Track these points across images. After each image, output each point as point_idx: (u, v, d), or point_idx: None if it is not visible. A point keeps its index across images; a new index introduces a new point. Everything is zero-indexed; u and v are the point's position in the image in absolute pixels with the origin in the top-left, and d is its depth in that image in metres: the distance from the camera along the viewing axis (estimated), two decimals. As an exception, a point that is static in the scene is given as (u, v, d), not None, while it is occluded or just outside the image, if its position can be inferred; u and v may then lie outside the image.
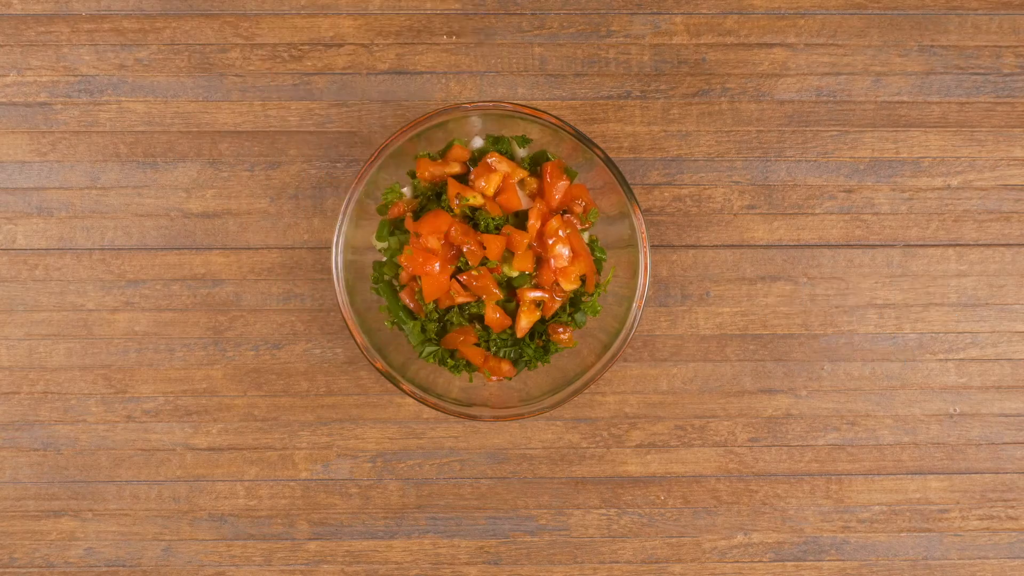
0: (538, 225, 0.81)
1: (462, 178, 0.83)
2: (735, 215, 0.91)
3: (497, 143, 0.84)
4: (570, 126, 0.80)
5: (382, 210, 0.85)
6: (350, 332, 0.82)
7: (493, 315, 0.82)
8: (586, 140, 0.80)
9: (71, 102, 0.90)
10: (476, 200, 0.81)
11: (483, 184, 0.81)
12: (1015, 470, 0.92)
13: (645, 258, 0.81)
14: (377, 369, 0.82)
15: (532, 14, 0.90)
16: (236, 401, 0.91)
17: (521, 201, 0.83)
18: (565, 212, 0.83)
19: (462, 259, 0.81)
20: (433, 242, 0.80)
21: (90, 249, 0.91)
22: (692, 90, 0.91)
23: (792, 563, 0.92)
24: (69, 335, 0.91)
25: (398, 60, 0.90)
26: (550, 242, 0.81)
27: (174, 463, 0.92)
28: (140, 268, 0.91)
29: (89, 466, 0.91)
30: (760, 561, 0.92)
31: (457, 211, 0.81)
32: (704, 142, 0.91)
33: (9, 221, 0.91)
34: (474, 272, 0.81)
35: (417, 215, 0.83)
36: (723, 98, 0.91)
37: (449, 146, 0.84)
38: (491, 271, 0.81)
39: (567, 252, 0.81)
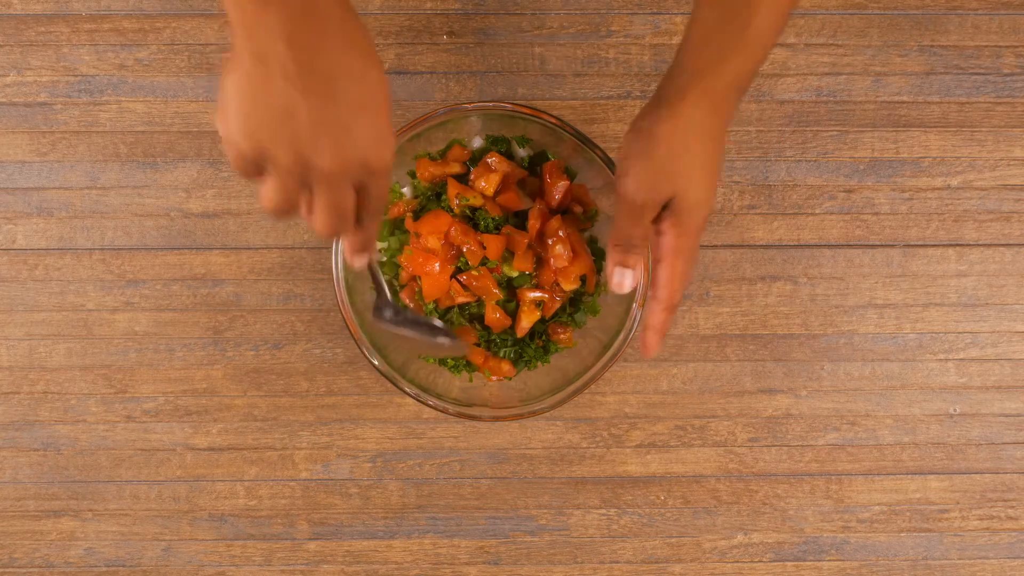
0: (538, 225, 0.81)
1: (462, 178, 0.83)
2: (735, 215, 0.91)
3: (497, 143, 0.84)
4: (570, 126, 0.80)
5: None
6: (350, 332, 0.82)
7: (493, 315, 0.82)
8: (586, 140, 0.80)
9: (71, 102, 0.90)
10: (476, 200, 0.81)
11: (483, 184, 0.81)
12: (1015, 470, 0.92)
13: (645, 258, 0.81)
14: (377, 369, 0.82)
15: (532, 14, 0.90)
16: (236, 401, 0.91)
17: (521, 201, 0.83)
18: (565, 212, 0.83)
19: (462, 259, 0.81)
20: (433, 242, 0.80)
21: (90, 249, 0.91)
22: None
23: (792, 563, 0.92)
24: (69, 335, 0.91)
25: (398, 60, 0.90)
26: (550, 242, 0.81)
27: (174, 463, 0.92)
28: (140, 268, 0.91)
29: (89, 466, 0.91)
30: (760, 561, 0.92)
31: (457, 211, 0.81)
32: (704, 142, 0.91)
33: (9, 221, 0.91)
34: (474, 272, 0.81)
35: (417, 215, 0.83)
36: (723, 98, 0.91)
37: (449, 146, 0.84)
38: (491, 271, 0.81)
39: (567, 252, 0.81)
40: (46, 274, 0.91)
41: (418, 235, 0.81)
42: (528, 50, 0.90)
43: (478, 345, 0.84)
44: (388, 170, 0.59)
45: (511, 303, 0.83)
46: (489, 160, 0.82)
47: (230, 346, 0.91)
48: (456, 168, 0.83)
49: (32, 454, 0.91)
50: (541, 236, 0.82)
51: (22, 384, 0.91)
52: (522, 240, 0.81)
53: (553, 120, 0.80)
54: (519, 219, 0.83)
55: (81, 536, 0.92)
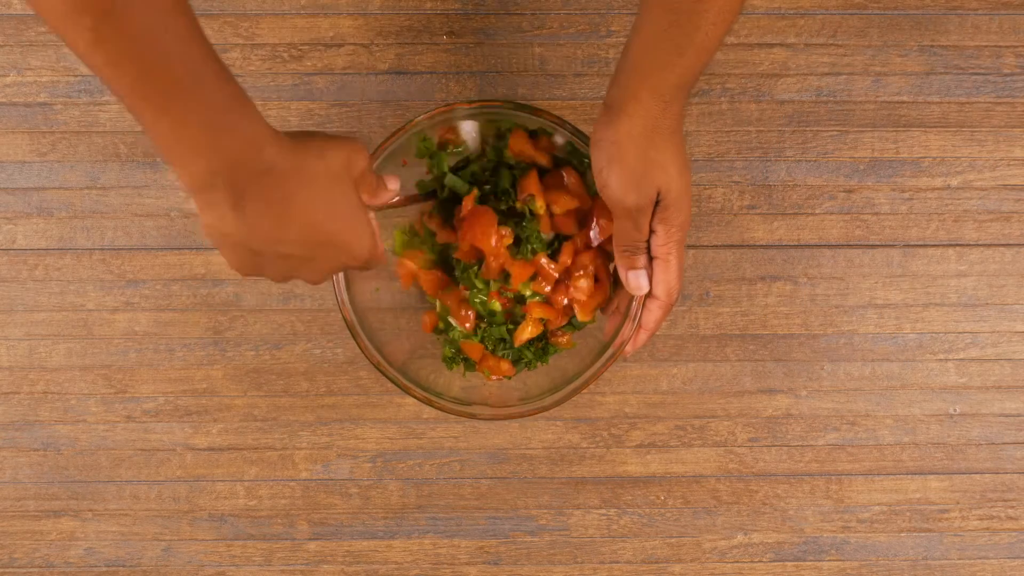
0: (569, 262, 0.79)
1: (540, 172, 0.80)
2: (735, 215, 0.91)
3: (573, 155, 0.80)
4: (570, 125, 0.80)
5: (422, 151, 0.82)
6: (350, 332, 0.82)
7: (459, 312, 0.81)
8: (586, 140, 0.80)
9: (71, 102, 0.90)
10: (540, 208, 0.78)
11: (555, 198, 0.78)
12: (1015, 470, 0.92)
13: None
14: (377, 369, 0.82)
15: (532, 14, 0.90)
16: (236, 401, 0.91)
17: (574, 228, 0.80)
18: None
19: (475, 268, 0.80)
20: (471, 240, 0.78)
21: (90, 249, 0.91)
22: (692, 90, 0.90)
23: (792, 563, 0.92)
24: (69, 335, 0.91)
25: (398, 60, 0.90)
26: (576, 274, 0.80)
27: (174, 463, 0.92)
28: (140, 268, 0.91)
29: (89, 466, 0.91)
30: (760, 561, 0.92)
31: (519, 206, 0.78)
32: (704, 142, 0.91)
33: (9, 221, 0.91)
34: (464, 293, 0.81)
35: (468, 180, 0.80)
36: (723, 98, 0.91)
37: (510, 129, 0.80)
38: (505, 289, 0.80)
39: (589, 286, 0.80)
40: (46, 274, 0.91)
41: (462, 218, 0.79)
42: (528, 50, 0.90)
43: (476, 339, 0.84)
44: (374, 253, 0.69)
45: (504, 326, 0.82)
46: (565, 176, 0.79)
47: (230, 346, 0.91)
48: (544, 159, 0.80)
49: (32, 454, 0.91)
50: (568, 268, 0.80)
51: (22, 384, 0.91)
52: (551, 275, 0.79)
53: (552, 119, 0.80)
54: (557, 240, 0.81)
55: (81, 536, 0.92)
